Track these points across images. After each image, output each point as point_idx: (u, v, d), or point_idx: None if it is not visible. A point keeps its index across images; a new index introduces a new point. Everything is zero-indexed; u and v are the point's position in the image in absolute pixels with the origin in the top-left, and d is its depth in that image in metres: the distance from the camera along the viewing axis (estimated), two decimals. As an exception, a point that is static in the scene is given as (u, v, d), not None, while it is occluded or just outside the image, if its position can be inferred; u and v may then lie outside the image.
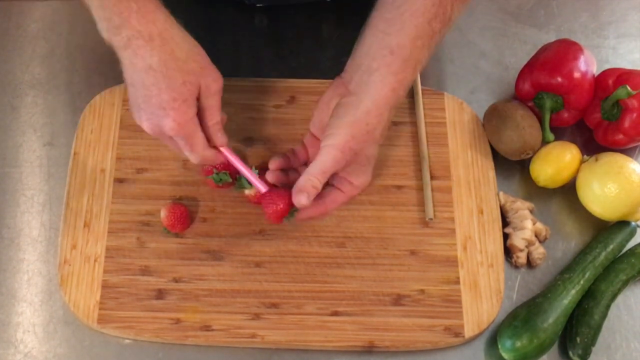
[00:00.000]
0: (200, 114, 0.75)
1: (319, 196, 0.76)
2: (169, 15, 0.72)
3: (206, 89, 0.74)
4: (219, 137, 0.78)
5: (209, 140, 0.77)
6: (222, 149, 0.79)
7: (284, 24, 1.00)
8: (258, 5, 0.99)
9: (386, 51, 0.74)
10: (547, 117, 0.89)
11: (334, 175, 0.77)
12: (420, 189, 0.88)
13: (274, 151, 0.89)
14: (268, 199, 0.78)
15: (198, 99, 0.74)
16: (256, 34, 1.00)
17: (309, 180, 0.74)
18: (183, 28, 0.73)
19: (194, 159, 0.77)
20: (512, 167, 0.91)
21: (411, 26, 0.74)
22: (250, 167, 0.81)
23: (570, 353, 0.81)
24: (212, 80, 0.74)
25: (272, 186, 0.80)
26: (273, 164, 0.80)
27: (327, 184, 0.78)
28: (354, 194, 0.80)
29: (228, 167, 0.85)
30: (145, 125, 0.74)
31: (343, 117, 0.74)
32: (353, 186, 0.79)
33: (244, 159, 0.88)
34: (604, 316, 0.82)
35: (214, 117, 0.76)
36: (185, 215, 0.84)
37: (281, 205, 0.77)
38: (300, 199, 0.74)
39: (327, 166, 0.74)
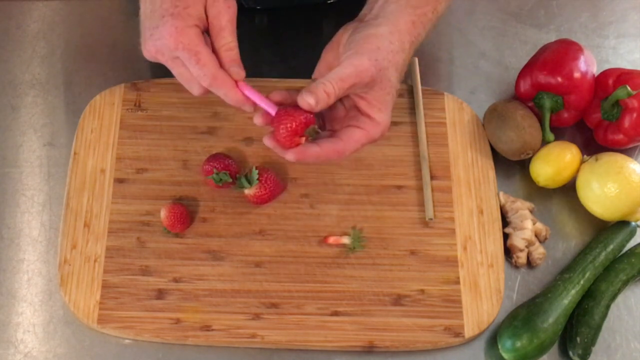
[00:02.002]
0: (212, 41, 0.71)
1: (336, 134, 0.71)
2: None
3: (213, 3, 0.70)
4: (235, 71, 0.70)
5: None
6: (239, 84, 0.71)
7: (284, 24, 1.00)
8: (257, 7, 0.99)
9: None
10: (547, 117, 0.89)
11: (352, 113, 0.72)
12: (420, 189, 0.88)
13: (274, 151, 0.89)
14: (277, 119, 0.69)
15: (207, 18, 0.70)
16: (256, 34, 1.00)
17: (322, 83, 0.67)
18: None
19: (205, 79, 0.69)
20: (512, 167, 0.91)
21: None
22: (251, 166, 0.81)
23: (570, 353, 0.81)
24: None
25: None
26: (274, 95, 0.72)
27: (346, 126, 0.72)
28: (374, 135, 0.71)
29: (228, 167, 0.85)
30: (149, 45, 0.70)
31: (364, 31, 0.69)
32: (373, 122, 0.71)
33: (243, 158, 0.88)
34: (604, 316, 0.82)
35: (224, 38, 0.70)
36: (185, 215, 0.83)
37: (293, 124, 0.68)
38: (307, 99, 0.67)
39: (347, 73, 0.68)
